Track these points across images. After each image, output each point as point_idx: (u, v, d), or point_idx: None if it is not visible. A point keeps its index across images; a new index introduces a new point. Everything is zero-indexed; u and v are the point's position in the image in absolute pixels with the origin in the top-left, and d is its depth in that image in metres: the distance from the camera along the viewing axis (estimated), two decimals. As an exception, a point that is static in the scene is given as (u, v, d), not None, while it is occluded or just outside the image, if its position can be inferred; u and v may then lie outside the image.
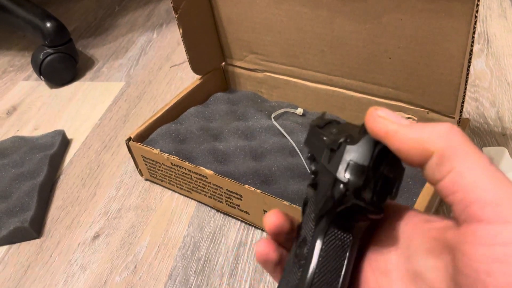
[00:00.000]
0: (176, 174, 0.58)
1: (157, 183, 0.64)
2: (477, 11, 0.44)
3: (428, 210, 0.48)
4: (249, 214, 0.54)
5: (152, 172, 0.62)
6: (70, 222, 0.60)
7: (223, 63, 0.75)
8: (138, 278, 0.52)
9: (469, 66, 0.47)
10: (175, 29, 1.05)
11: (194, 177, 0.56)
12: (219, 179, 0.53)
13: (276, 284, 0.27)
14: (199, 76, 0.72)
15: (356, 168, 0.23)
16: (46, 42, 0.86)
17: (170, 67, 0.91)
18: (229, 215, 0.58)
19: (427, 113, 0.58)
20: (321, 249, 0.24)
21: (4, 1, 0.91)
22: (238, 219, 0.57)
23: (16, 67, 0.99)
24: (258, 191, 0.50)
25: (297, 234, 0.27)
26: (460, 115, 0.51)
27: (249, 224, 0.56)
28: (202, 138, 0.63)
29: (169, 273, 0.52)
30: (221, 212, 0.59)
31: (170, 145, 0.61)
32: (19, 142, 0.72)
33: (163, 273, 0.52)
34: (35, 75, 0.94)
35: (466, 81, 0.48)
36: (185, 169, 0.56)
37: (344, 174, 0.23)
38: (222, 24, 0.70)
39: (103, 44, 1.04)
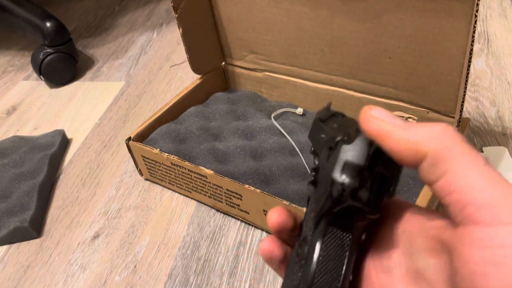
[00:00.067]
0: (176, 173, 0.58)
1: (157, 183, 0.64)
2: (477, 11, 0.44)
3: (428, 209, 0.48)
4: (249, 213, 0.54)
5: (152, 172, 0.62)
6: (70, 221, 0.60)
7: (223, 63, 0.75)
8: (138, 278, 0.52)
9: (469, 66, 0.47)
10: (175, 29, 1.05)
11: (194, 176, 0.56)
12: (219, 179, 0.53)
13: (280, 281, 0.27)
14: (199, 76, 0.72)
15: (352, 169, 0.23)
16: (46, 41, 0.86)
17: (170, 67, 0.91)
18: (229, 215, 0.58)
19: (427, 112, 0.58)
20: (321, 249, 0.24)
21: (4, 1, 0.91)
22: (238, 219, 0.57)
23: (16, 67, 0.99)
24: (258, 190, 0.50)
25: (299, 232, 0.27)
26: (460, 115, 0.51)
27: (249, 224, 0.56)
28: (202, 138, 0.63)
29: (169, 273, 0.52)
30: (221, 212, 0.59)
31: (170, 145, 0.61)
32: (19, 142, 0.72)
33: (163, 273, 0.52)
34: (35, 75, 0.94)
35: (466, 81, 0.48)
36: (185, 168, 0.56)
37: (340, 175, 0.23)
38: (222, 24, 0.70)
39: (103, 44, 1.04)
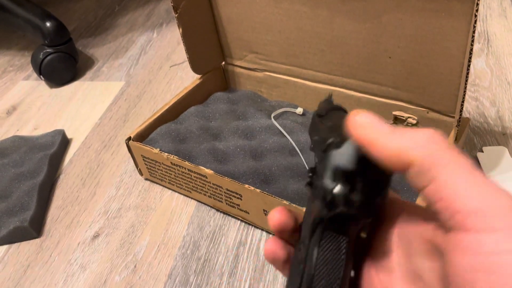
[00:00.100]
0: (176, 173, 0.58)
1: (157, 183, 0.64)
2: (477, 11, 0.44)
3: (428, 209, 0.48)
4: (249, 213, 0.54)
5: (152, 172, 0.62)
6: (70, 221, 0.60)
7: (223, 63, 0.75)
8: (138, 278, 0.52)
9: (469, 66, 0.47)
10: (175, 28, 1.05)
11: (194, 176, 0.56)
12: (219, 179, 0.53)
13: (280, 280, 0.26)
14: (199, 76, 0.72)
15: (342, 175, 0.23)
16: (46, 41, 0.86)
17: (170, 67, 0.91)
18: (229, 215, 0.58)
19: (427, 112, 0.58)
20: (318, 253, 0.24)
21: (4, 1, 0.91)
22: (238, 219, 0.57)
23: (16, 67, 0.99)
24: (258, 190, 0.50)
25: (299, 234, 0.27)
26: (460, 115, 0.51)
27: (249, 224, 0.56)
28: (202, 138, 0.63)
29: (169, 273, 0.52)
30: (221, 212, 0.59)
31: (170, 145, 0.61)
32: (19, 142, 0.72)
33: (162, 273, 0.52)
34: (35, 75, 0.94)
35: (466, 81, 0.48)
36: (185, 168, 0.56)
37: (331, 182, 0.23)
38: (222, 24, 0.70)
39: (103, 43, 1.04)
